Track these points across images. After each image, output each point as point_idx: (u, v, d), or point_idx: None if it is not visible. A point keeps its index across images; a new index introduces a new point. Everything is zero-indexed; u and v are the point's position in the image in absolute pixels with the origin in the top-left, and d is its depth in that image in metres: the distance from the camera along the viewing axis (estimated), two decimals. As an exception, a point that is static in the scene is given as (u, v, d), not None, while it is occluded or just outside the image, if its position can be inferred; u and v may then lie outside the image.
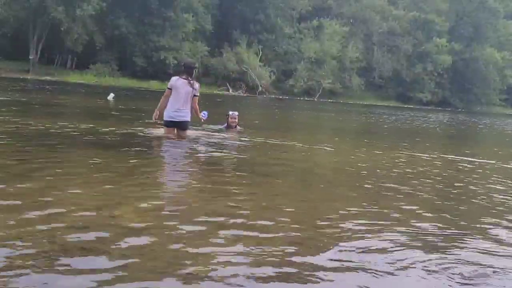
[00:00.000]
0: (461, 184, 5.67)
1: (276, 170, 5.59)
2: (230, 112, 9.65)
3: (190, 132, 8.08)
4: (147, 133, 8.07)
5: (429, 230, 3.46)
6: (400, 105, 52.94)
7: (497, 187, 5.61)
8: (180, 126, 7.60)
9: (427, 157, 8.20)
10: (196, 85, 7.63)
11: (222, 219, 3.29)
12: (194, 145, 7.33)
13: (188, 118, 7.65)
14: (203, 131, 8.97)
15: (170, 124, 7.59)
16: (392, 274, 2.56)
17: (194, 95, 7.61)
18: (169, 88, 7.59)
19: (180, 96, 7.49)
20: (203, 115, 8.19)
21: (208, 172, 5.07)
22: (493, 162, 8.25)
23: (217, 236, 2.92)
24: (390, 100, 56.51)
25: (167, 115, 7.57)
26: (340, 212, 3.78)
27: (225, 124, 9.54)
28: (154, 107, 7.89)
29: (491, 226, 3.70)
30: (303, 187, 4.74)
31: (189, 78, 7.56)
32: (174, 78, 7.69)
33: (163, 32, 44.16)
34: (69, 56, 43.72)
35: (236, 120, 9.47)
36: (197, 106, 7.82)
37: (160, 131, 7.90)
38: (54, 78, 36.30)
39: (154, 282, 2.22)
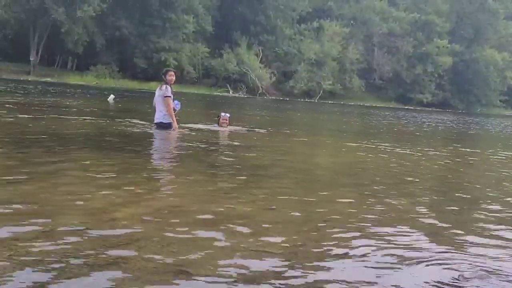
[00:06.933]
0: (462, 184, 5.67)
1: (276, 170, 5.58)
2: (222, 114, 10.20)
3: (186, 132, 8.70)
4: (146, 134, 8.14)
5: (429, 230, 3.46)
6: (401, 106, 52.91)
7: (499, 187, 5.60)
8: (159, 126, 8.59)
9: (428, 156, 8.18)
10: (163, 87, 8.55)
11: (222, 220, 3.28)
12: (194, 145, 7.34)
13: (162, 120, 8.59)
14: (198, 131, 9.10)
15: (156, 126, 8.74)
16: (392, 274, 2.56)
17: (164, 96, 8.52)
18: None
19: (157, 102, 8.64)
20: (176, 104, 8.82)
21: (207, 173, 5.06)
22: (496, 161, 8.24)
23: (217, 237, 2.92)
24: (391, 101, 56.55)
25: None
26: (342, 212, 3.77)
27: (216, 125, 10.05)
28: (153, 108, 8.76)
29: (492, 226, 3.69)
30: (303, 188, 4.74)
31: (162, 84, 8.63)
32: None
33: (163, 33, 44.23)
34: (69, 57, 43.80)
35: (227, 121, 9.98)
36: (170, 106, 8.52)
37: (156, 130, 8.66)
38: (55, 80, 36.33)
39: (153, 283, 2.22)
